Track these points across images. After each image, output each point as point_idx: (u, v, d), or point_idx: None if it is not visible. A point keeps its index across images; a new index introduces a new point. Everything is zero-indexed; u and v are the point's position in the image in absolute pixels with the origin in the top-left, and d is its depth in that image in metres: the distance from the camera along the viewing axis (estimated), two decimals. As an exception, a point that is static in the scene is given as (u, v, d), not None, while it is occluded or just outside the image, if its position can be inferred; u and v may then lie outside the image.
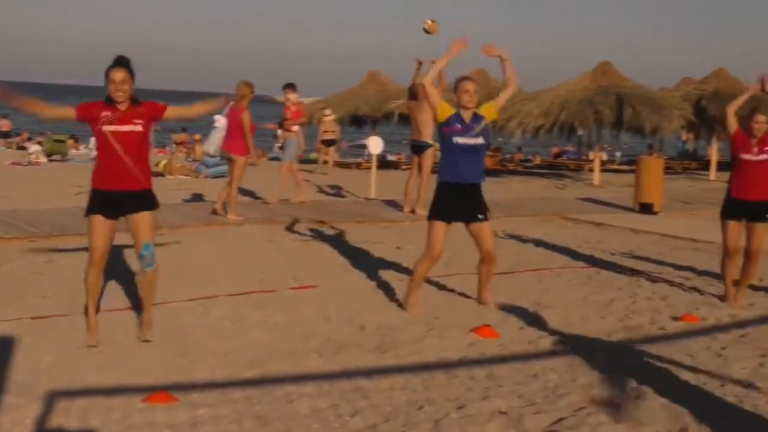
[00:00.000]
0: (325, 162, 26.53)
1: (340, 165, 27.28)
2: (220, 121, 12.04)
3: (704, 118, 25.38)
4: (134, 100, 5.64)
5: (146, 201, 5.71)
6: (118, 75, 5.54)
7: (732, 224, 7.58)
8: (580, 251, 10.51)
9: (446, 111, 6.73)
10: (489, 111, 6.88)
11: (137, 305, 6.52)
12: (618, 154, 40.71)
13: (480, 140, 6.73)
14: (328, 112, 26.94)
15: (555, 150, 37.39)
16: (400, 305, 7.10)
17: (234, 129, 11.86)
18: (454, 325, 6.50)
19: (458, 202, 6.75)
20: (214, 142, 12.19)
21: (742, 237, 7.63)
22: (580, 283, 8.44)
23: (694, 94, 26.10)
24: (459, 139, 6.68)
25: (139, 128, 5.59)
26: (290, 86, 14.54)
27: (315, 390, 5.02)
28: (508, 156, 33.54)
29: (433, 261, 6.86)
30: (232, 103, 11.59)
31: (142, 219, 5.67)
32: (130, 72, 5.62)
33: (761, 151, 7.45)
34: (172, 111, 5.83)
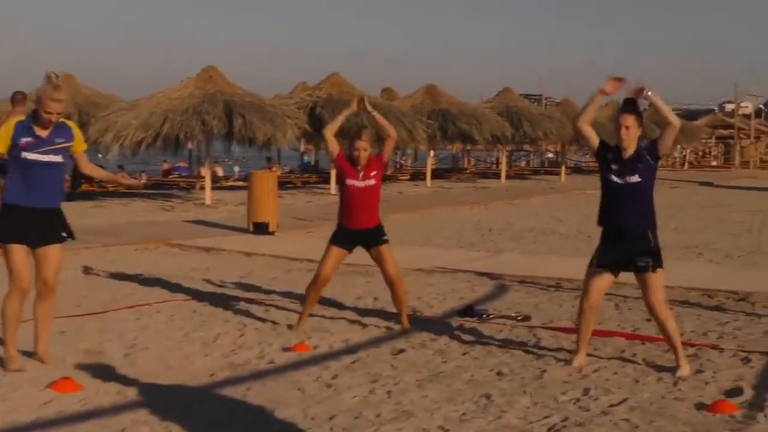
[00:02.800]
0: None
1: None
2: None
3: (320, 127, 26.77)
4: None
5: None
6: None
7: (335, 250, 7.90)
8: (186, 282, 10.54)
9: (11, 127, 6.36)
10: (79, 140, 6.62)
11: None
12: (237, 169, 41.67)
13: (59, 158, 6.44)
14: None
15: (165, 167, 37.26)
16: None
17: None
18: (25, 382, 6.12)
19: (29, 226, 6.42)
20: None
21: (338, 264, 8.04)
22: (184, 318, 8.44)
23: (309, 100, 27.46)
24: (29, 155, 6.32)
25: None
26: None
27: None
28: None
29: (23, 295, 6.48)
30: None
31: None
32: None
33: (366, 177, 7.81)
34: None
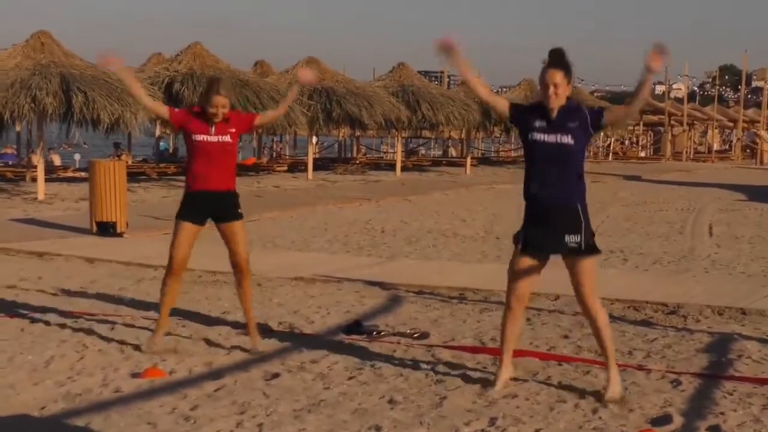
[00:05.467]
0: None
1: None
2: None
3: (179, 105, 26.54)
4: None
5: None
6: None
7: (186, 225, 7.90)
8: (13, 293, 10.37)
9: None
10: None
11: None
12: (78, 157, 40.88)
13: None
14: None
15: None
16: None
17: None
18: None
19: None
20: None
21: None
22: (8, 339, 8.25)
23: (165, 75, 27.20)
24: None
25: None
26: None
27: None
28: None
29: None
30: None
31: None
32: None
33: (220, 132, 7.85)
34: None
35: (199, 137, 7.82)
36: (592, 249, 6.60)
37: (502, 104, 6.81)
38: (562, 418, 6.18)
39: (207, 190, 7.88)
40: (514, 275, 6.73)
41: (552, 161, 6.52)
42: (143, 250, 13.77)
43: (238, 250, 7.99)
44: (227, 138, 7.87)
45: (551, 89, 6.45)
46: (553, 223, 6.57)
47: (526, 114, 6.68)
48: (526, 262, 6.70)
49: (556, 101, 6.48)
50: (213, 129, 7.81)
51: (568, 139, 6.49)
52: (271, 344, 8.19)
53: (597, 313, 6.64)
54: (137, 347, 7.96)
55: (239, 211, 8.01)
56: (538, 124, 6.54)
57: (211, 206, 7.91)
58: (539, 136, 6.53)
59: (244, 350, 7.98)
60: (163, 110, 8.20)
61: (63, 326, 8.73)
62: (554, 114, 6.50)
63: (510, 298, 6.77)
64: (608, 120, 6.69)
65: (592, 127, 6.58)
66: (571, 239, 6.54)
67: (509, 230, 6.83)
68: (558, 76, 6.46)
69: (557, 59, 6.51)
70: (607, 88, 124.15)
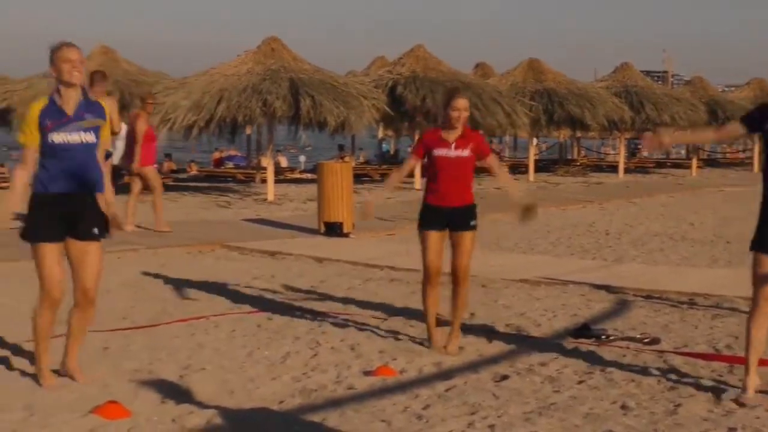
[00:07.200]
0: None
1: None
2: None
3: (402, 109, 26.82)
4: None
5: None
6: None
7: (431, 234, 8.02)
8: (248, 291, 10.70)
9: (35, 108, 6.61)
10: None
11: None
12: (302, 158, 42.02)
13: (90, 136, 6.64)
14: None
15: (216, 155, 37.74)
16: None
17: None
18: (65, 406, 6.27)
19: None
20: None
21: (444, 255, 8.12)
22: (246, 335, 8.54)
23: (388, 78, 27.49)
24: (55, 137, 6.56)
25: None
26: None
27: None
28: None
29: (56, 304, 6.68)
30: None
31: None
32: None
33: (459, 147, 7.93)
34: None
35: (439, 152, 7.93)
36: None
37: (732, 127, 6.60)
38: (804, 431, 5.93)
39: (447, 207, 7.97)
40: (758, 280, 6.50)
41: None
42: (370, 250, 14.01)
43: (460, 260, 8.04)
44: (466, 153, 7.93)
45: None
46: None
47: (765, 117, 6.46)
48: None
49: None
50: (453, 145, 7.91)
51: None
52: (498, 346, 8.21)
53: None
54: (374, 345, 8.11)
55: (472, 223, 8.05)
56: None
57: (449, 219, 8.01)
58: None
59: (473, 348, 8.03)
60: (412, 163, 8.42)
61: (296, 324, 8.99)
62: None
63: (757, 297, 6.51)
64: None
65: None
66: None
67: (741, 235, 6.60)
68: None
69: None
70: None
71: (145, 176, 15.47)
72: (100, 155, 6.81)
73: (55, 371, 6.90)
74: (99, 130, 6.74)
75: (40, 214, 6.63)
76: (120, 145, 16.52)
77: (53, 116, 6.58)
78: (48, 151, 6.60)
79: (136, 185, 15.51)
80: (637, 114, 34.44)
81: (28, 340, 7.39)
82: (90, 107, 6.70)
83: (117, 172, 15.34)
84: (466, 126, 8.02)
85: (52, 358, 6.85)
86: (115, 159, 16.19)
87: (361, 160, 39.53)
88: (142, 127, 15.29)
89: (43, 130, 6.56)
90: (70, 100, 6.62)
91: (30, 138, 6.61)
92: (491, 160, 8.24)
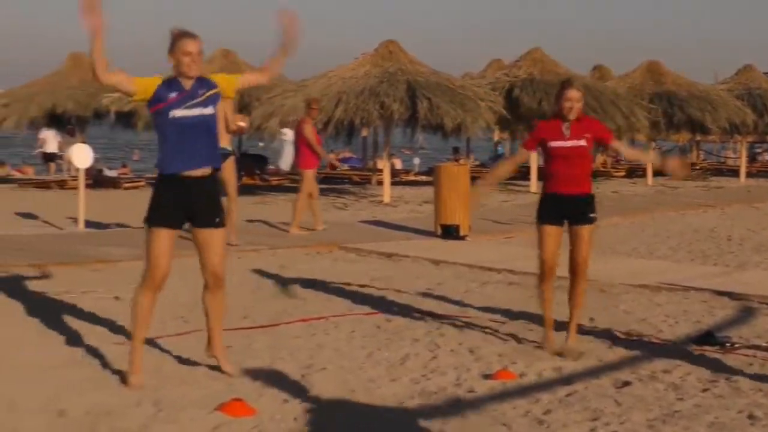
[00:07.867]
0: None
1: (36, 184, 26.41)
2: (289, 134, 16.16)
3: (518, 112, 26.69)
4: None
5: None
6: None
7: (548, 228, 8.01)
8: (366, 292, 10.76)
9: (150, 85, 6.71)
10: (228, 82, 7.03)
11: None
12: (417, 161, 42.12)
13: (209, 110, 6.80)
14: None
15: (332, 157, 38.04)
16: (123, 379, 6.91)
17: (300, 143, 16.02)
18: (191, 403, 6.40)
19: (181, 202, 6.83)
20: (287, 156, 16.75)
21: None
22: (366, 335, 8.60)
23: (506, 81, 27.40)
24: (177, 112, 6.70)
25: None
26: None
27: None
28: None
29: (156, 289, 6.86)
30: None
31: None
32: None
33: (575, 137, 7.93)
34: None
35: (555, 144, 7.93)
36: None
37: None
38: None
39: (566, 194, 7.96)
40: None
41: None
42: (486, 253, 13.97)
43: (578, 252, 8.01)
44: (582, 143, 7.91)
45: None
46: None
47: None
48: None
49: None
50: (568, 134, 7.90)
51: None
52: (619, 352, 8.11)
53: None
54: (493, 349, 8.10)
55: (591, 215, 8.02)
56: None
57: (569, 208, 7.97)
58: None
59: (594, 353, 7.96)
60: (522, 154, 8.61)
61: (415, 325, 9.02)
62: None
63: None
64: None
65: None
66: None
67: None
68: None
69: None
70: None
71: (303, 178, 16.01)
72: (221, 127, 6.92)
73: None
74: (217, 99, 6.88)
75: (160, 198, 6.82)
76: (289, 149, 17.64)
77: (172, 90, 6.72)
78: (168, 128, 6.75)
79: (315, 189, 16.14)
80: (760, 117, 33.66)
81: (158, 337, 7.60)
82: (202, 83, 6.85)
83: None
84: (582, 113, 8.00)
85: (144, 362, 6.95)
86: (285, 164, 17.31)
87: (477, 163, 39.42)
88: (309, 131, 15.96)
89: (161, 107, 6.70)
90: (186, 85, 6.77)
91: (140, 88, 6.73)
92: (615, 144, 8.23)
